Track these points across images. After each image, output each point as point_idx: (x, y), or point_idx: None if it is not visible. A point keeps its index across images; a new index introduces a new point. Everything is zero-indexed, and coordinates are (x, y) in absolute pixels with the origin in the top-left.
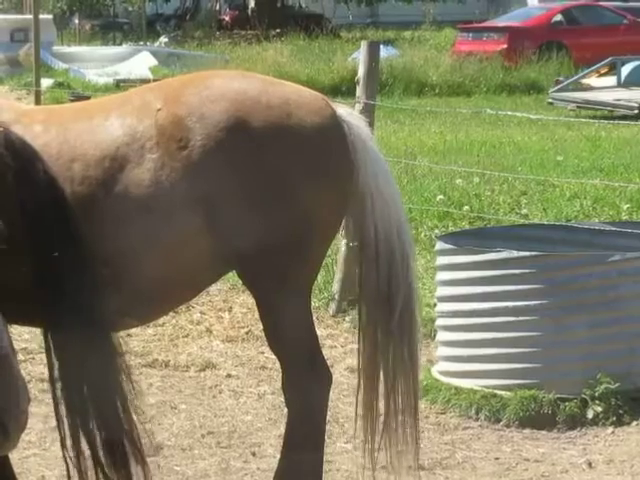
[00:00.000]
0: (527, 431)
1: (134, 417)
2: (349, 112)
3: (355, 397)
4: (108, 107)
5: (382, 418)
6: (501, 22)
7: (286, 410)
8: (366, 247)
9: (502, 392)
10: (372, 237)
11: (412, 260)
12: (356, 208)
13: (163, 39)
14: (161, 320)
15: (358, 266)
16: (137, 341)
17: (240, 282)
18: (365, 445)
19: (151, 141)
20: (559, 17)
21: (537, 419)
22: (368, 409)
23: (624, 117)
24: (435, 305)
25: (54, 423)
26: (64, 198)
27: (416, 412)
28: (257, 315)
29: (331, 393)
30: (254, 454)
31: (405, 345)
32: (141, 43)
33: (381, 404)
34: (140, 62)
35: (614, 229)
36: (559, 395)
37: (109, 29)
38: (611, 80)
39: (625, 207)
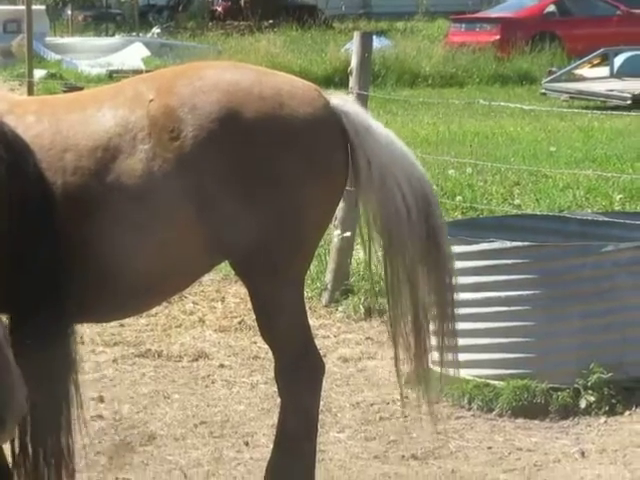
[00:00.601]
0: (520, 420)
1: (69, 438)
2: (344, 100)
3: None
4: (101, 98)
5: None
6: (494, 13)
7: (279, 400)
8: (390, 232)
9: (495, 382)
10: (403, 209)
11: (440, 237)
12: (372, 193)
13: (156, 30)
14: (154, 310)
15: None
16: (130, 331)
17: (233, 272)
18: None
19: (143, 132)
20: (552, 8)
21: (530, 409)
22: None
23: (617, 108)
24: None
25: None
26: (52, 192)
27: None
28: (250, 305)
29: (324, 383)
30: (247, 444)
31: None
32: (134, 34)
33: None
34: (133, 53)
35: (607, 219)
36: (552, 385)
37: (102, 20)
38: (604, 71)
39: (618, 197)
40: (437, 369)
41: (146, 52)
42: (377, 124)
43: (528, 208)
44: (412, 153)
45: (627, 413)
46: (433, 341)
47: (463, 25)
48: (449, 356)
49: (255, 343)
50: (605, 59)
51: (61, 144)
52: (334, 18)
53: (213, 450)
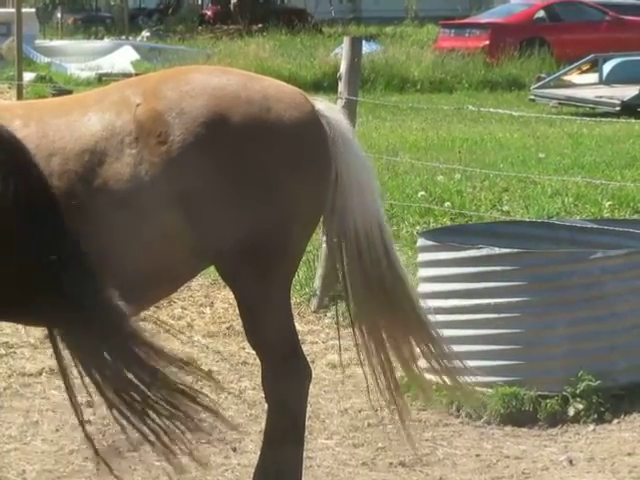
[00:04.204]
0: (508, 428)
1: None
2: (328, 107)
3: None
4: (87, 102)
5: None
6: (483, 18)
7: (267, 406)
8: (348, 243)
9: (483, 389)
10: (352, 233)
11: (394, 252)
12: (336, 203)
13: (145, 33)
14: (142, 315)
15: (339, 262)
16: None
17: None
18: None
19: (130, 136)
20: (541, 13)
21: (518, 416)
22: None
23: (606, 114)
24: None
25: (35, 417)
26: (53, 191)
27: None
28: (238, 311)
29: (312, 389)
30: (235, 450)
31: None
32: (123, 37)
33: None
34: (122, 56)
35: (596, 226)
36: (540, 392)
37: (91, 23)
38: (593, 77)
39: (607, 204)
40: (429, 376)
41: (135, 55)
42: (354, 140)
43: (517, 214)
44: (376, 181)
45: (615, 421)
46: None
47: (452, 30)
48: (439, 364)
49: (244, 349)
50: (594, 65)
51: (47, 148)
52: (323, 22)
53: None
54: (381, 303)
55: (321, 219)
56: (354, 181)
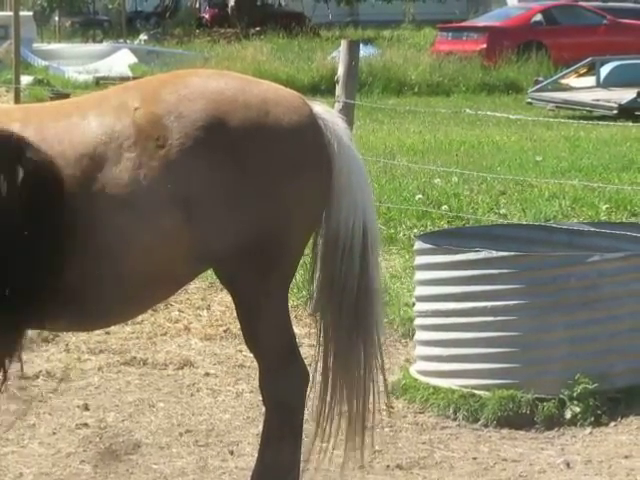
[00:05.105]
0: (505, 431)
1: None
2: (326, 110)
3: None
4: (86, 106)
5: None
6: (481, 22)
7: (264, 409)
8: (328, 242)
9: (480, 392)
10: (334, 234)
11: (375, 261)
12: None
13: (143, 37)
14: (139, 318)
15: (319, 260)
16: (115, 339)
17: (218, 280)
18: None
19: (129, 140)
20: (539, 17)
21: (515, 419)
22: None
23: (603, 117)
24: (413, 304)
25: (32, 420)
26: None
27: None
28: (235, 313)
29: (309, 392)
30: (232, 453)
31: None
32: (121, 41)
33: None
34: (120, 60)
35: (593, 230)
36: (537, 395)
37: (89, 26)
38: (590, 80)
39: (604, 207)
40: (423, 379)
41: (133, 59)
42: (349, 143)
43: (514, 218)
44: (369, 185)
45: (612, 424)
46: (420, 351)
47: (450, 34)
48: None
49: (241, 351)
50: (592, 69)
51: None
52: (321, 26)
53: (198, 459)
54: (342, 307)
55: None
56: (345, 183)
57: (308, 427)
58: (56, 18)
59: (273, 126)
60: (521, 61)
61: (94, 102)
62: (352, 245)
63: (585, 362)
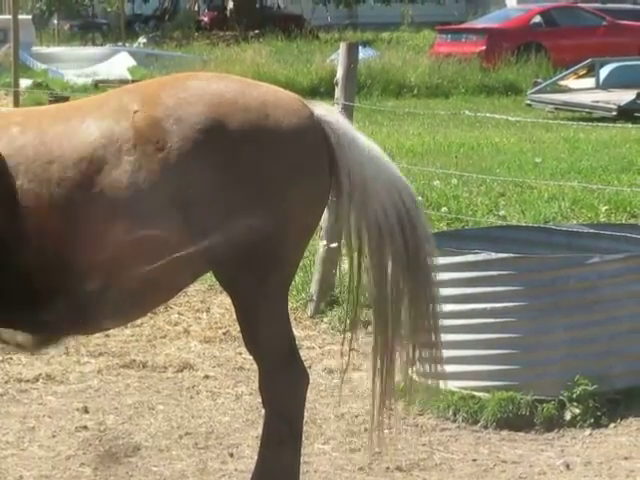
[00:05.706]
0: (505, 433)
1: None
2: (328, 110)
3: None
4: (85, 109)
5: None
6: (480, 24)
7: (263, 411)
8: (370, 238)
9: (480, 393)
10: (375, 227)
11: (424, 234)
12: (353, 200)
13: (142, 40)
14: (139, 321)
15: (355, 261)
16: (115, 342)
17: (218, 283)
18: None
19: (128, 143)
20: (538, 18)
21: (515, 421)
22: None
23: (602, 119)
24: None
25: (32, 423)
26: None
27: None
28: (235, 316)
29: (309, 394)
30: (232, 455)
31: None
32: (120, 44)
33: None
34: (119, 63)
35: (592, 231)
36: (537, 397)
37: (88, 30)
38: (589, 82)
39: (603, 209)
40: (423, 381)
41: (132, 62)
42: (360, 136)
43: (513, 219)
44: (395, 165)
45: (612, 425)
46: (419, 353)
47: (449, 36)
48: (435, 368)
49: (240, 354)
50: (591, 70)
51: (46, 155)
52: (320, 28)
53: (198, 461)
54: (394, 303)
55: (319, 224)
56: (368, 177)
57: (307, 429)
58: (55, 21)
59: (272, 129)
60: (520, 63)
61: (93, 105)
62: (394, 234)
63: (585, 364)
